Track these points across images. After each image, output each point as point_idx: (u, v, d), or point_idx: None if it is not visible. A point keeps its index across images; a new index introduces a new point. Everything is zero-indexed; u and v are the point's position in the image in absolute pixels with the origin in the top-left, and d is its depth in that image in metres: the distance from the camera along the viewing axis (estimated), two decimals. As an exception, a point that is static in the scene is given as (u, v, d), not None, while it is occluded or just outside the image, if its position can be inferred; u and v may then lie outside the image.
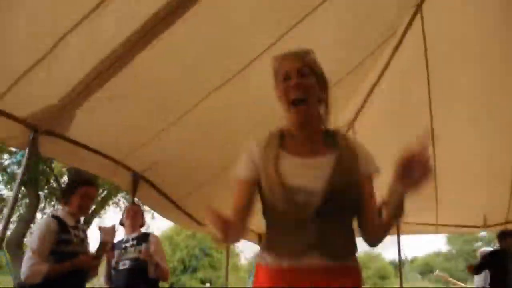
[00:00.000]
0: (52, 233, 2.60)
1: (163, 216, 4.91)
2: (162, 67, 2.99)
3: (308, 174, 1.33)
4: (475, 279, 6.47)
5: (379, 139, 4.71)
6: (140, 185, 4.19)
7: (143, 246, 3.33)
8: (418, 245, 63.97)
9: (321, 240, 1.27)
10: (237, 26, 2.90)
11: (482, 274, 5.90)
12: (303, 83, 1.39)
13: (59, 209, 2.82)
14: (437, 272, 10.65)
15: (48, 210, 13.26)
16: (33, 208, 10.08)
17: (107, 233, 2.94)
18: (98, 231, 2.94)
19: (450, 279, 7.98)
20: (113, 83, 2.90)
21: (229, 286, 7.84)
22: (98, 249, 2.85)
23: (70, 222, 2.75)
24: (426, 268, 37.11)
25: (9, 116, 2.81)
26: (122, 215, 3.63)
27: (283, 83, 1.43)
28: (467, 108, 4.34)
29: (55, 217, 2.73)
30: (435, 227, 6.16)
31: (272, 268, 1.31)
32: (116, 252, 3.37)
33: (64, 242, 2.64)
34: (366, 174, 1.41)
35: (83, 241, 2.85)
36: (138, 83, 3.05)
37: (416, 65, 3.92)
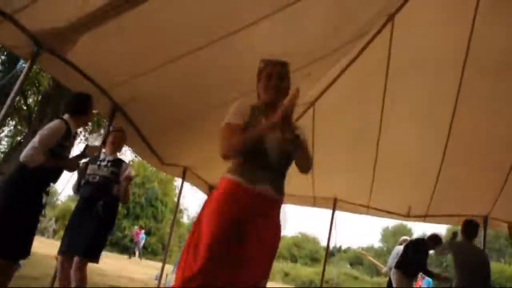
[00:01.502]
0: (59, 135, 3.09)
1: (131, 148, 5.38)
2: (161, 17, 3.40)
3: (278, 139, 2.01)
4: (389, 261, 7.31)
5: (333, 120, 5.37)
6: (116, 116, 4.64)
7: (116, 169, 3.80)
8: (352, 237, 67.16)
9: (274, 180, 2.03)
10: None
11: (395, 257, 6.71)
12: (280, 85, 2.13)
13: (68, 117, 3.25)
14: (360, 249, 11.68)
15: (7, 128, 13.13)
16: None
17: (93, 151, 3.48)
18: (85, 147, 3.45)
19: (369, 257, 8.94)
20: (117, 22, 3.32)
21: (171, 239, 8.35)
22: (79, 158, 3.35)
23: (73, 130, 3.26)
24: (357, 260, 39.14)
25: (22, 27, 3.20)
26: (108, 135, 4.07)
27: (266, 81, 2.14)
28: (413, 114, 5.05)
29: (66, 123, 3.19)
30: (367, 209, 6.92)
31: (245, 187, 1.96)
32: (91, 166, 3.85)
33: (62, 146, 3.14)
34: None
35: (72, 147, 3.36)
36: (137, 27, 3.46)
37: (378, 67, 4.52)
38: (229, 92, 4.44)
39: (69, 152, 3.28)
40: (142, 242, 22.16)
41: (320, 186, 6.66)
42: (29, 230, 3.01)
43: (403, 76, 4.62)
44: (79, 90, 3.64)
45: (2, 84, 6.71)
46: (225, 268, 1.82)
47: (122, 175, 3.79)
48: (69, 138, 3.18)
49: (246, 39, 3.74)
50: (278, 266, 31.09)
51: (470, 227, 5.01)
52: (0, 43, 3.42)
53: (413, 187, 6.06)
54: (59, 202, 29.91)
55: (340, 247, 38.82)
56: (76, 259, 3.50)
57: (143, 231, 22.82)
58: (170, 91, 4.39)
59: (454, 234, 5.24)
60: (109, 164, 3.81)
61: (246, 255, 1.86)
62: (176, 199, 26.09)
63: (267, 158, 2.00)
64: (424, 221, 6.59)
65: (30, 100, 12.63)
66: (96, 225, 3.61)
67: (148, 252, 25.16)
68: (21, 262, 5.90)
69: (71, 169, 3.30)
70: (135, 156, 10.80)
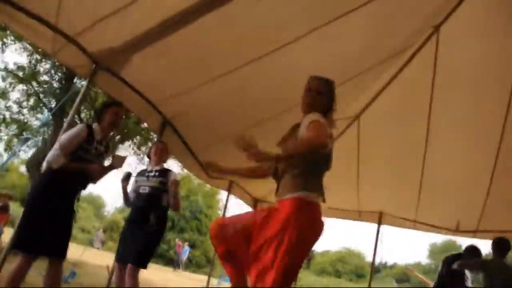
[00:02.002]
0: (80, 138, 3.20)
1: (179, 161, 5.56)
2: (208, 36, 3.57)
3: None
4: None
5: (378, 134, 5.34)
6: (166, 130, 4.84)
7: (163, 179, 3.95)
8: (399, 253, 64.93)
9: None
10: (278, 14, 3.47)
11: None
12: (310, 100, 2.34)
13: (95, 125, 3.36)
14: (407, 266, 11.32)
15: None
16: (56, 135, 10.67)
17: (118, 161, 3.51)
18: (111, 157, 3.58)
19: (417, 274, 8.67)
20: (167, 41, 3.52)
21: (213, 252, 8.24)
22: (106, 168, 3.43)
23: (98, 136, 3.34)
24: (403, 276, 37.66)
25: (83, 49, 3.47)
26: (150, 148, 4.26)
27: (303, 94, 2.38)
28: (460, 126, 4.92)
29: (88, 126, 3.32)
30: (414, 223, 6.75)
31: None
32: (139, 178, 4.04)
33: (84, 149, 3.23)
34: None
35: (101, 155, 3.44)
36: (186, 45, 3.65)
37: (424, 79, 4.48)
38: (273, 106, 4.54)
39: (96, 157, 3.35)
40: (185, 255, 22.62)
41: (365, 200, 6.60)
42: (55, 229, 3.05)
43: (450, 88, 4.55)
44: (129, 105, 3.84)
45: (63, 101, 7.13)
46: None
47: (168, 183, 3.93)
48: (92, 142, 3.28)
49: (290, 56, 3.84)
50: (322, 281, 30.57)
51: (499, 245, 4.79)
52: (64, 64, 3.70)
53: (462, 201, 5.85)
54: (106, 214, 30.87)
55: (386, 263, 37.64)
56: (129, 266, 3.68)
57: (186, 243, 23.19)
58: (217, 106, 4.54)
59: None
60: (157, 174, 3.98)
61: None
62: (219, 212, 26.34)
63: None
64: (474, 236, 6.32)
65: (82, 115, 13.31)
66: (147, 235, 3.79)
67: (193, 264, 25.44)
68: (75, 271, 6.25)
69: (96, 175, 3.36)
70: (181, 169, 11.00)
